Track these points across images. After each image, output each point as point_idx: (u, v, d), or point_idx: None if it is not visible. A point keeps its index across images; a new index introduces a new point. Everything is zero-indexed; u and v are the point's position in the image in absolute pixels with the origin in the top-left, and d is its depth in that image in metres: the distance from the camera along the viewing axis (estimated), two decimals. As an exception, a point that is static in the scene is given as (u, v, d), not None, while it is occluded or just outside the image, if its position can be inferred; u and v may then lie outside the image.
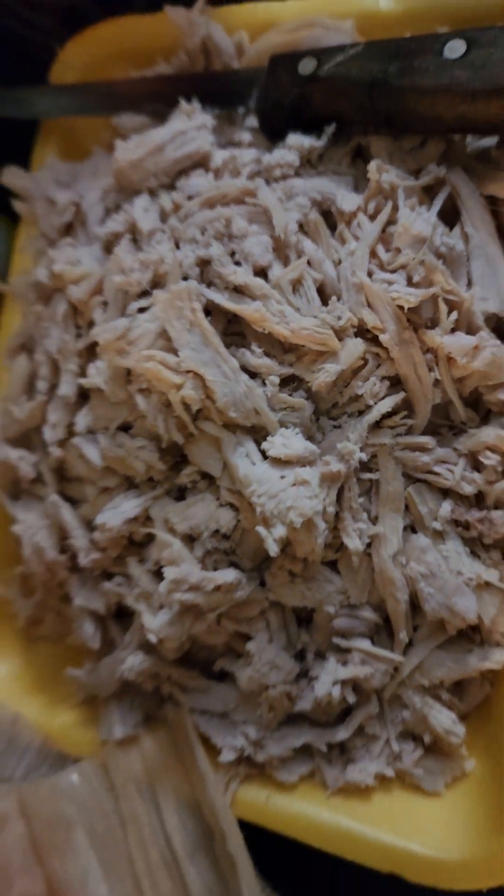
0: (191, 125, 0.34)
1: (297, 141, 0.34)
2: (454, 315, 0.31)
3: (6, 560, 0.41)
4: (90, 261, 0.35)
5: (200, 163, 0.35)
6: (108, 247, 0.35)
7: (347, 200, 0.33)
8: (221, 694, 0.35)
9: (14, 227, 0.43)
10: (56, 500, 0.35)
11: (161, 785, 0.35)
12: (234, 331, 0.32)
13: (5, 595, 0.40)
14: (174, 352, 0.31)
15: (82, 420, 0.34)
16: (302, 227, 0.33)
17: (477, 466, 0.32)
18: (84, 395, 0.35)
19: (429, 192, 0.33)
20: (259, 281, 0.31)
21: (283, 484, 0.30)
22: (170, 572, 0.31)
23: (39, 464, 0.37)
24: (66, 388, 0.34)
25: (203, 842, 0.34)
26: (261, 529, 0.30)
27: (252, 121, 0.36)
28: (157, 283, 0.32)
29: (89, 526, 0.36)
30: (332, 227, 0.34)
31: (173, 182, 0.35)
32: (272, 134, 0.35)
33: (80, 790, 0.34)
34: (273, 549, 0.30)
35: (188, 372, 0.30)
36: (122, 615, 0.37)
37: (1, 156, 0.41)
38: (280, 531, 0.30)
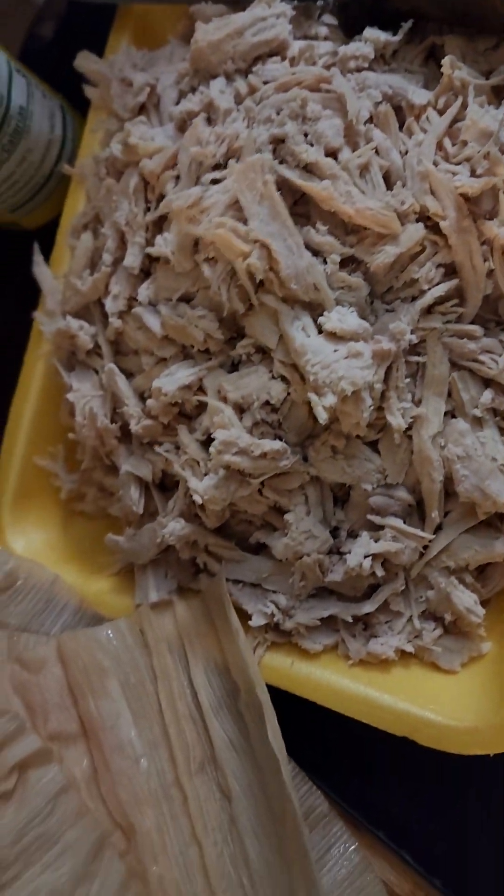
0: (270, 13, 0.36)
1: (374, 35, 0.35)
2: (513, 208, 0.32)
3: (53, 437, 0.42)
4: (164, 139, 0.36)
5: (277, 51, 0.36)
6: (182, 126, 0.36)
7: (418, 95, 0.34)
8: (255, 565, 0.37)
9: (82, 120, 0.44)
10: (112, 369, 0.37)
11: (191, 646, 0.37)
12: (300, 211, 0.33)
13: (51, 468, 0.42)
14: (244, 222, 0.32)
15: (144, 292, 0.36)
16: (371, 120, 0.34)
17: (521, 358, 0.33)
18: (146, 273, 0.37)
19: (498, 94, 0.34)
20: (329, 161, 0.32)
21: (337, 356, 0.32)
22: (220, 434, 0.33)
23: (97, 336, 0.38)
24: (132, 260, 0.36)
25: (227, 700, 0.36)
26: (312, 396, 0.32)
27: (329, 18, 0.37)
28: (231, 157, 0.34)
29: (142, 398, 0.37)
30: (401, 124, 0.35)
31: (249, 68, 0.36)
32: (349, 28, 0.36)
33: (114, 643, 0.36)
34: (322, 417, 0.31)
35: (255, 242, 0.32)
36: (165, 489, 0.39)
37: (75, 45, 0.42)
38: (330, 399, 0.31)
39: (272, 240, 0.32)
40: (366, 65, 0.35)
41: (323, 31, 0.37)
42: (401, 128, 0.34)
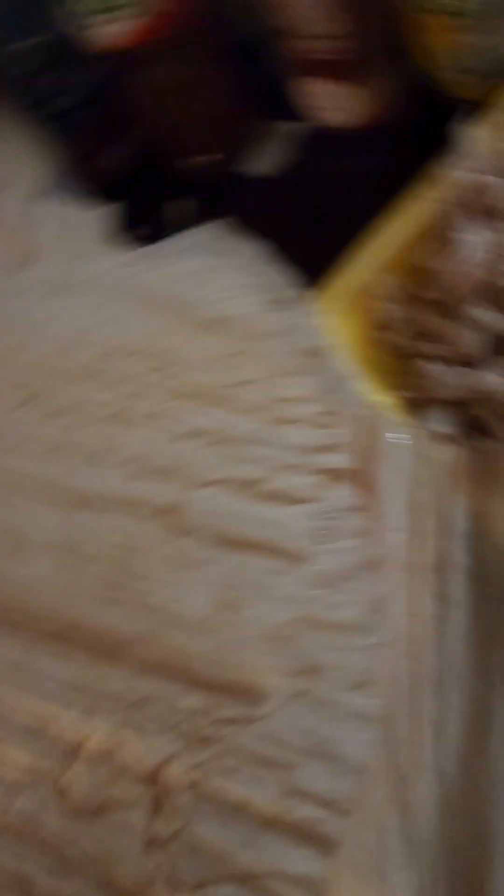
0: None
1: None
2: None
3: (403, 270, 0.47)
4: None
5: None
6: None
7: None
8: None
9: None
10: (518, 229, 0.41)
11: (458, 481, 0.41)
12: None
13: (386, 293, 0.47)
14: None
15: None
16: None
17: None
18: None
19: None
20: None
21: None
22: None
23: (507, 200, 0.42)
24: None
25: (473, 537, 0.39)
26: None
27: None
28: None
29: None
30: None
31: None
32: None
33: (400, 436, 0.41)
34: None
35: None
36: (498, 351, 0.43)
37: None
38: None
39: None
40: None
41: None
42: None
